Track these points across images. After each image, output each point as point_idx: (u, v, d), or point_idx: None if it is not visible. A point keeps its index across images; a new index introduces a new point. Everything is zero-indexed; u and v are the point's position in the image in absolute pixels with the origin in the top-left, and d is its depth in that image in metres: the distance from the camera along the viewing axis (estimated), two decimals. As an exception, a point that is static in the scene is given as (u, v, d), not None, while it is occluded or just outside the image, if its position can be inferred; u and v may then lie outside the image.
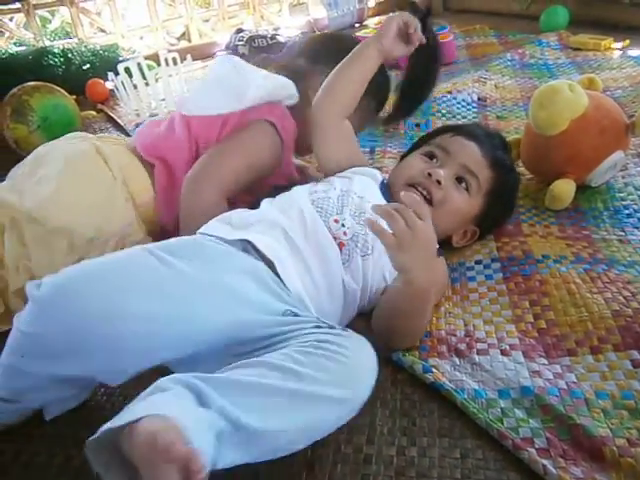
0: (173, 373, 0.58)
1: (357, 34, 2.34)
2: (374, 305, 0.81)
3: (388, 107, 1.20)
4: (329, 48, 1.10)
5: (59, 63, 2.08)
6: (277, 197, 0.88)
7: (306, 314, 0.71)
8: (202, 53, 2.42)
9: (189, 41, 2.67)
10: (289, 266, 0.75)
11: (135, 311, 0.62)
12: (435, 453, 0.64)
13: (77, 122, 1.61)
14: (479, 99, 1.64)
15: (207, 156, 0.95)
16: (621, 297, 0.81)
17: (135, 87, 1.72)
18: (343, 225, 0.81)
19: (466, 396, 0.69)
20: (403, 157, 1.03)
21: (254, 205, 0.88)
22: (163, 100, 1.77)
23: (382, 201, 0.87)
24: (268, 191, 0.96)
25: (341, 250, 0.79)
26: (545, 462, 0.60)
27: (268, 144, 0.99)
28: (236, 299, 0.68)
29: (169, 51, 1.99)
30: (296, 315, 0.69)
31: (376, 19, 2.76)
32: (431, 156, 0.94)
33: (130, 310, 0.62)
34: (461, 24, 2.48)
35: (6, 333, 0.66)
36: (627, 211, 1.03)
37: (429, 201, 0.89)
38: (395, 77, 1.20)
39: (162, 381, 0.56)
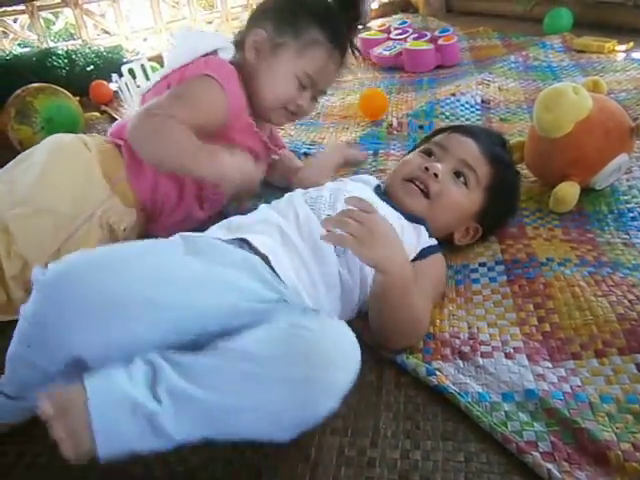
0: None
1: (361, 36, 2.35)
2: None
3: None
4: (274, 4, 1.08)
5: (63, 64, 2.09)
6: (273, 202, 0.91)
7: (298, 303, 0.71)
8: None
9: (192, 43, 2.67)
10: (284, 260, 0.75)
11: (137, 298, 0.63)
12: (439, 456, 0.64)
13: (81, 123, 1.62)
14: (483, 101, 1.64)
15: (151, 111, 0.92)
16: (626, 300, 0.80)
17: (139, 88, 1.72)
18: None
19: (470, 399, 0.69)
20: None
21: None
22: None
23: (376, 200, 0.89)
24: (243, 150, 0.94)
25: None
26: (549, 466, 0.60)
27: (210, 95, 0.97)
28: (227, 286, 0.68)
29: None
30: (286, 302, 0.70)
31: (379, 21, 2.75)
32: (429, 153, 0.96)
33: (132, 297, 0.63)
34: (464, 26, 2.48)
35: (11, 324, 0.67)
36: (631, 214, 1.03)
37: (426, 194, 0.90)
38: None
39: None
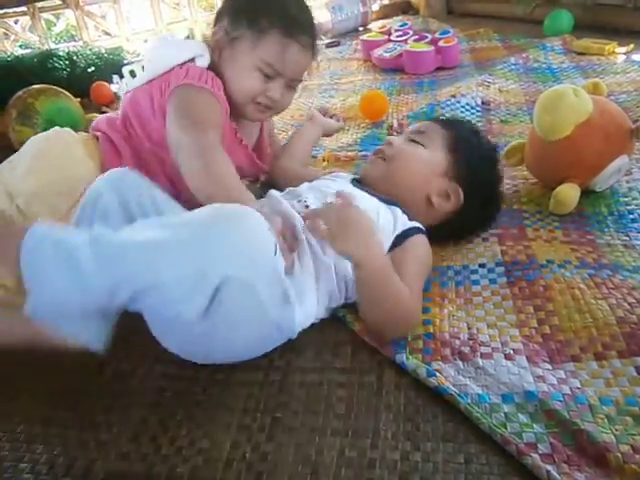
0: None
1: (362, 38, 2.35)
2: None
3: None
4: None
5: (64, 66, 2.09)
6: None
7: None
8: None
9: (193, 44, 2.68)
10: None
11: None
12: (439, 458, 0.64)
13: (82, 125, 1.62)
14: (483, 103, 1.64)
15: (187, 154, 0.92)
16: (626, 303, 0.80)
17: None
18: (306, 203, 0.91)
19: (470, 401, 0.69)
20: None
21: None
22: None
23: (352, 189, 0.95)
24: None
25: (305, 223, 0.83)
26: (549, 468, 0.60)
27: (209, 104, 0.97)
28: None
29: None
30: None
31: (380, 22, 2.76)
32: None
33: None
34: (465, 28, 2.49)
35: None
36: (632, 216, 1.03)
37: (384, 159, 1.01)
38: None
39: None
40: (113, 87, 2.04)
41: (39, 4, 2.27)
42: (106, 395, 0.79)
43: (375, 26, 2.70)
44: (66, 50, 2.16)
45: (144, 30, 2.58)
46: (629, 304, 0.80)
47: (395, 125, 1.53)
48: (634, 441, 0.62)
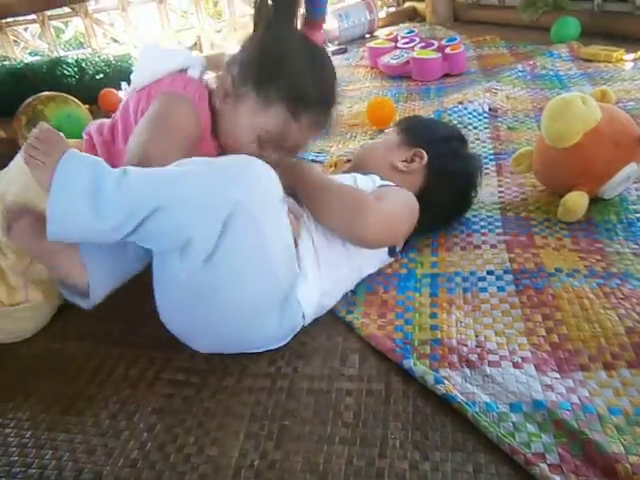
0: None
1: (369, 45, 2.36)
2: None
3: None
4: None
5: (73, 73, 2.11)
6: None
7: None
8: (214, 63, 2.44)
9: (200, 51, 2.70)
10: None
11: None
12: (448, 468, 0.64)
13: (90, 131, 1.63)
14: (490, 110, 1.64)
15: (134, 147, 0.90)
16: (635, 314, 0.80)
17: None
18: None
19: (477, 409, 0.69)
20: None
21: None
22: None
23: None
24: None
25: None
26: (557, 478, 0.60)
27: (179, 112, 0.93)
28: None
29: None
30: None
31: (386, 30, 2.77)
32: None
33: None
34: (472, 35, 2.49)
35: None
36: (641, 224, 1.03)
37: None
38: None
39: None
40: (121, 94, 2.05)
41: (48, 12, 2.30)
42: (114, 401, 0.79)
43: (382, 33, 2.71)
44: (75, 57, 2.18)
45: (152, 37, 2.60)
46: (638, 314, 0.80)
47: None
48: (644, 452, 0.62)
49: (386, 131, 1.21)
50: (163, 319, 0.81)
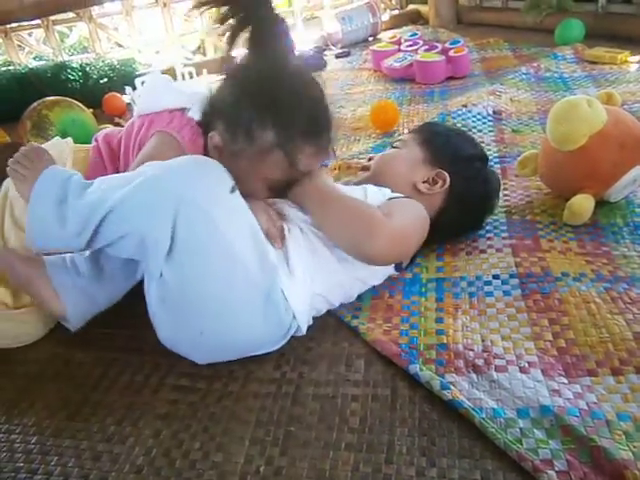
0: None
1: (372, 48, 2.36)
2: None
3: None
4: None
5: (77, 77, 2.12)
6: None
7: None
8: (217, 67, 2.45)
9: (204, 55, 2.70)
10: None
11: None
12: (455, 474, 0.63)
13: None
14: (494, 112, 1.64)
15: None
16: (642, 318, 0.80)
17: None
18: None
19: (484, 415, 0.68)
20: None
21: None
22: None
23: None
24: None
25: None
26: (566, 485, 0.59)
27: (167, 154, 0.89)
28: None
29: (185, 65, 2.01)
30: None
31: (390, 33, 2.77)
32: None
33: None
34: (475, 38, 2.49)
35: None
36: (647, 227, 1.02)
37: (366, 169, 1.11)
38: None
39: None
40: (125, 98, 2.06)
41: (53, 17, 2.30)
42: (119, 407, 0.79)
43: (385, 36, 2.71)
44: (79, 62, 2.19)
45: (156, 42, 2.61)
46: (646, 319, 0.79)
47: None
48: (653, 458, 0.61)
49: (403, 137, 1.14)
50: (162, 340, 0.83)
